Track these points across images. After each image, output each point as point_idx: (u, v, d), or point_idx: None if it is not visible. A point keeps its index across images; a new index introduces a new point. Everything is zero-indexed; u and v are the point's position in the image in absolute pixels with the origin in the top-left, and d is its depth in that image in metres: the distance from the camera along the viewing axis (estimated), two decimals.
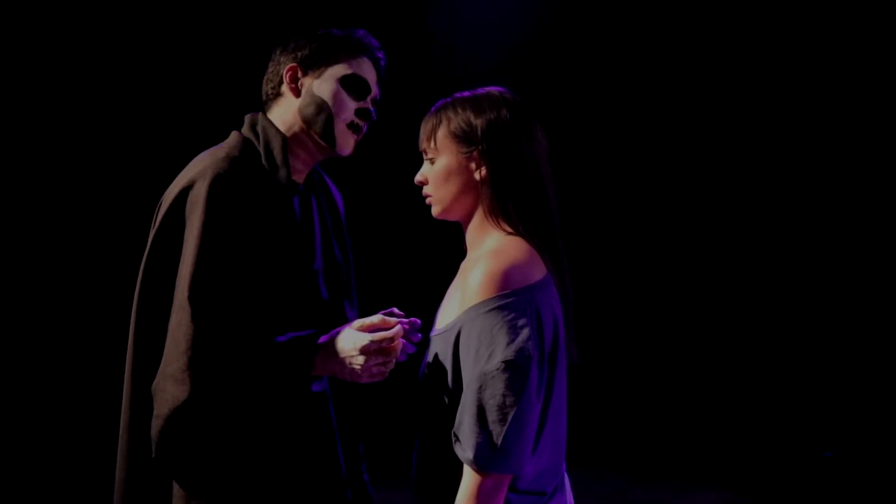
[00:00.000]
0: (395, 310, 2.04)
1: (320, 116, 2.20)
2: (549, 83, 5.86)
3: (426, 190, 2.00)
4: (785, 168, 5.91)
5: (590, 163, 6.05)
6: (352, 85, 2.22)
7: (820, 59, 5.73)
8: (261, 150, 2.18)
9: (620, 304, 6.16)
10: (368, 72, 2.25)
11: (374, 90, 2.27)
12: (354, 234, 2.46)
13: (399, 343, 1.98)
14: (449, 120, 1.94)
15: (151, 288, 2.10)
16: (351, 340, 1.98)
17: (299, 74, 2.23)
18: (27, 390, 4.97)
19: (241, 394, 2.00)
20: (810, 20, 5.72)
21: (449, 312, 1.91)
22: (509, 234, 1.90)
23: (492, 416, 1.75)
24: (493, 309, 1.78)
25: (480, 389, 1.77)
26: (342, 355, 1.98)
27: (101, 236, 5.13)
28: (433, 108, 1.99)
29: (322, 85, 2.22)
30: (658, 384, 6.16)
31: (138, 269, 2.15)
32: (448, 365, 1.86)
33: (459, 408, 1.81)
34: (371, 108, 2.25)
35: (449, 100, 1.98)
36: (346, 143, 2.23)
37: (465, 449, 1.77)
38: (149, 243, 2.13)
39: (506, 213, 1.90)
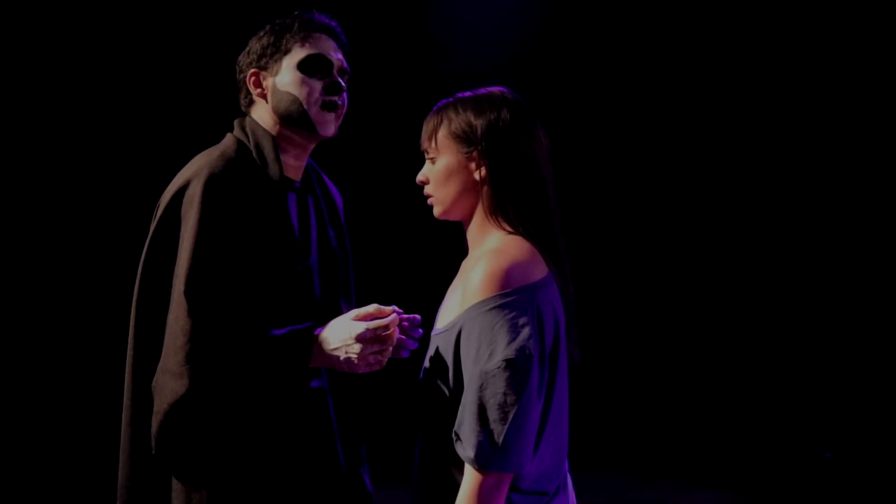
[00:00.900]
0: (396, 308, 2.05)
1: (292, 108, 2.21)
2: (549, 83, 5.87)
3: (427, 189, 2.00)
4: (785, 168, 5.91)
5: (590, 163, 6.05)
6: (310, 66, 2.22)
7: (820, 59, 5.74)
8: (252, 149, 2.21)
9: (620, 305, 6.16)
10: (324, 46, 2.25)
11: (337, 60, 2.26)
12: (356, 234, 2.47)
13: (395, 331, 2.00)
14: (450, 120, 1.95)
15: (150, 286, 2.12)
16: (347, 329, 1.99)
17: (261, 77, 2.25)
18: (29, 389, 4.98)
19: (240, 387, 2.01)
20: (810, 20, 5.72)
21: (450, 311, 1.91)
22: (510, 233, 1.91)
23: (492, 414, 1.75)
24: (494, 308, 1.78)
25: (481, 388, 1.77)
26: (338, 344, 2.00)
27: (102, 237, 5.13)
28: (435, 108, 2.00)
29: (283, 78, 2.23)
30: (658, 384, 6.16)
31: (137, 269, 2.17)
32: (449, 364, 1.86)
33: (460, 407, 1.81)
34: (338, 80, 2.24)
35: (450, 100, 1.99)
36: (325, 123, 2.23)
37: (465, 448, 1.78)
38: (147, 242, 2.15)
39: (505, 212, 1.91)
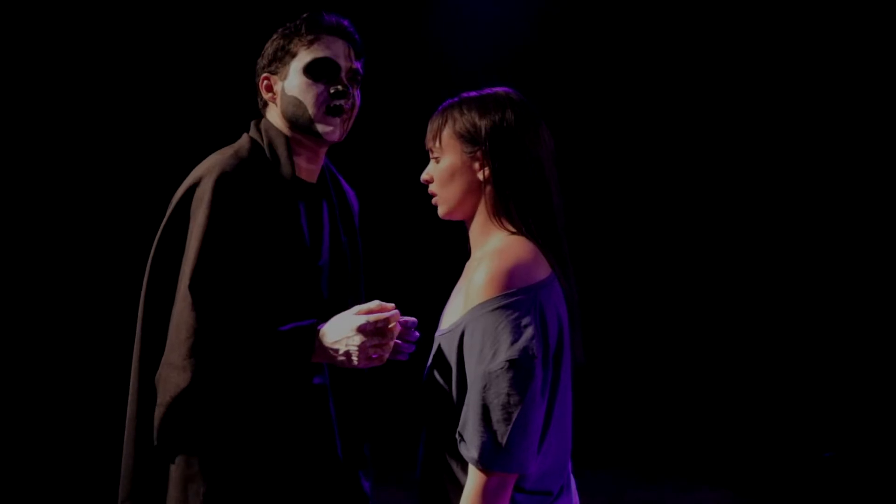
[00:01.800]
0: (380, 301, 2.06)
1: (298, 113, 2.21)
2: (552, 84, 5.87)
3: (431, 188, 2.01)
4: (786, 169, 5.92)
5: (593, 164, 6.05)
6: (316, 70, 2.21)
7: (820, 59, 5.74)
8: (265, 149, 2.22)
9: (620, 305, 6.17)
10: (333, 48, 2.22)
11: (346, 63, 2.24)
12: (362, 234, 2.47)
13: (396, 326, 2.00)
14: (454, 120, 1.95)
15: (158, 282, 2.15)
16: (348, 322, 2.00)
17: (272, 82, 2.26)
18: (36, 385, 5.00)
19: (242, 382, 2.03)
20: (810, 20, 5.72)
21: (453, 312, 1.91)
22: (513, 233, 1.91)
23: (496, 415, 1.76)
24: (497, 308, 1.78)
25: (485, 389, 1.77)
26: (339, 337, 2.00)
27: (114, 233, 5.15)
28: (440, 108, 2.01)
29: (290, 83, 2.22)
30: (658, 384, 6.16)
31: (146, 264, 2.20)
32: (453, 365, 1.87)
33: (464, 407, 1.81)
34: (345, 86, 2.21)
35: (456, 99, 1.99)
36: (330, 129, 2.21)
37: (469, 448, 1.78)
38: (157, 238, 2.17)
39: (508, 213, 1.91)
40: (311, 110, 2.19)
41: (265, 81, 2.27)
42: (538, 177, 1.92)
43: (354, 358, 1.99)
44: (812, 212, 5.87)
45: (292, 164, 2.21)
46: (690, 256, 6.13)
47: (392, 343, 2.01)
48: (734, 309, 6.04)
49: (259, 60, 2.29)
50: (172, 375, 2.01)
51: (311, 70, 2.20)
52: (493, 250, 1.87)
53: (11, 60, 4.92)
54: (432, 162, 2.00)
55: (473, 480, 1.79)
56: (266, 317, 2.08)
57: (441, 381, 1.89)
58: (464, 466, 1.82)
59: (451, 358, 1.87)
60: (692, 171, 6.08)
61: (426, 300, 2.81)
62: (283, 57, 2.23)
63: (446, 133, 1.96)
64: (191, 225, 2.11)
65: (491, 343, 1.77)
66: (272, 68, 2.25)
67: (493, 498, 1.78)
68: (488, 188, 1.93)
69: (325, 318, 2.12)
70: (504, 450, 1.76)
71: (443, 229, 2.19)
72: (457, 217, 1.99)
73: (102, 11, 5.12)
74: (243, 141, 2.24)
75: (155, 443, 2.07)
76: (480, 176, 1.93)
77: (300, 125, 2.22)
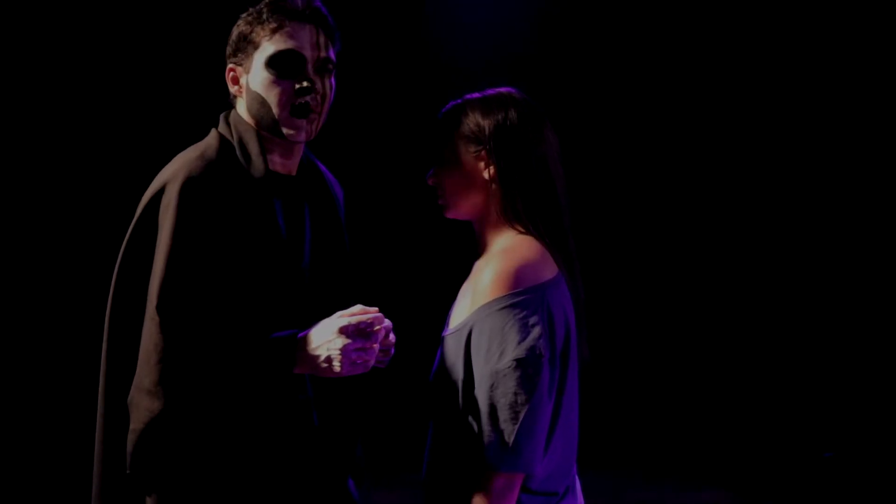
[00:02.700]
0: (362, 305, 1.93)
1: (262, 112, 2.00)
2: (555, 83, 5.86)
3: (438, 190, 2.01)
4: (787, 169, 5.92)
5: (598, 162, 6.04)
6: (279, 65, 1.97)
7: (820, 59, 5.74)
8: (235, 146, 2.02)
9: (620, 304, 6.16)
10: (298, 37, 1.98)
11: (313, 53, 1.99)
12: (368, 236, 2.40)
13: (381, 330, 1.87)
14: (458, 121, 1.96)
15: (124, 297, 1.99)
16: (329, 326, 1.87)
17: (237, 74, 2.05)
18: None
19: (219, 404, 1.90)
20: (810, 20, 5.72)
21: (461, 312, 1.91)
22: (521, 233, 1.91)
23: (503, 414, 1.76)
24: (505, 307, 1.79)
25: (492, 388, 1.77)
26: (320, 342, 1.86)
27: (83, 240, 4.96)
28: (443, 110, 2.01)
29: (254, 78, 2.01)
30: (658, 384, 6.15)
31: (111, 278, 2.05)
32: (460, 364, 1.86)
33: (471, 407, 1.81)
34: (311, 81, 1.97)
35: (459, 101, 2.00)
36: (296, 130, 1.99)
37: (476, 448, 1.78)
38: (121, 251, 2.01)
39: (515, 212, 1.92)
40: (275, 110, 1.98)
41: (231, 73, 2.06)
42: (543, 175, 1.93)
43: (336, 363, 1.85)
44: (812, 212, 5.87)
45: (265, 161, 2.01)
46: (690, 257, 6.13)
47: (377, 347, 1.87)
48: (735, 309, 6.04)
49: (226, 48, 2.08)
50: (144, 401, 1.88)
51: (273, 64, 1.97)
52: (501, 250, 1.88)
53: None
54: (438, 164, 2.01)
55: (480, 480, 1.79)
56: (243, 331, 1.92)
57: (448, 380, 1.89)
58: (470, 466, 1.82)
59: (459, 357, 1.87)
60: (696, 171, 6.08)
61: (433, 300, 2.80)
62: (245, 47, 2.01)
63: (451, 135, 1.96)
64: (158, 237, 1.94)
65: (498, 342, 1.78)
66: (237, 59, 2.04)
67: (500, 498, 1.78)
68: (494, 187, 1.93)
69: (312, 324, 1.95)
70: (511, 449, 1.76)
71: (449, 229, 2.18)
72: (463, 217, 2.00)
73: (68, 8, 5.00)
74: (211, 138, 2.05)
75: (128, 469, 1.93)
76: (486, 175, 1.93)
77: (265, 125, 2.01)
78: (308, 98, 1.98)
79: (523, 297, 1.79)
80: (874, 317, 5.69)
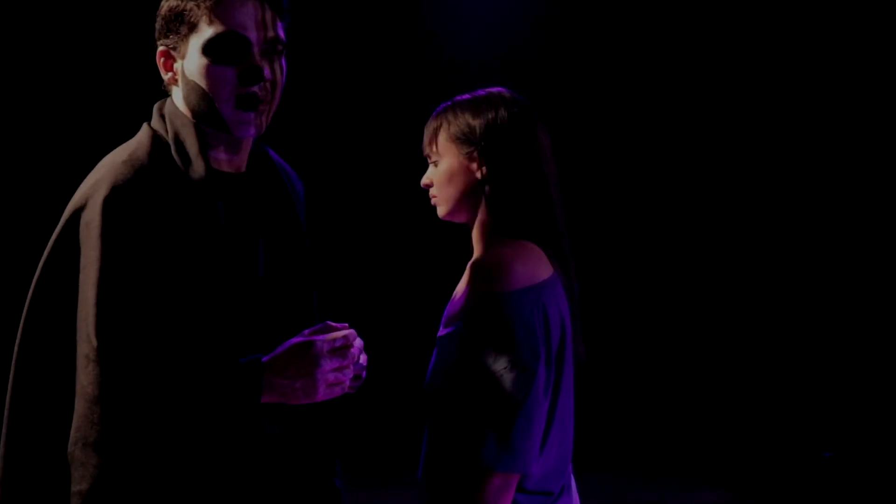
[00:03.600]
0: (330, 322, 1.75)
1: (202, 105, 1.73)
2: (551, 82, 5.86)
3: (432, 192, 2.01)
4: (786, 168, 5.92)
5: (593, 161, 6.05)
6: (219, 50, 1.69)
7: (820, 59, 5.74)
8: (171, 142, 1.75)
9: (619, 305, 6.16)
10: (240, 16, 1.69)
11: (259, 34, 1.70)
12: (363, 237, 2.35)
13: (356, 348, 1.72)
14: (449, 123, 1.96)
15: (38, 333, 1.71)
16: (299, 347, 1.67)
17: (170, 58, 1.76)
18: None
19: (178, 449, 1.66)
20: (810, 20, 5.72)
21: (456, 313, 1.91)
22: (515, 233, 1.91)
23: (499, 415, 1.76)
24: (500, 308, 1.78)
25: (487, 388, 1.77)
26: (291, 366, 1.66)
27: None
28: (434, 113, 2.01)
29: (190, 64, 1.72)
30: (658, 384, 6.16)
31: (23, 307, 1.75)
32: (455, 365, 1.86)
33: (466, 407, 1.81)
34: (258, 68, 1.70)
35: (449, 103, 2.00)
36: (243, 124, 1.73)
37: (472, 448, 1.78)
38: (35, 279, 1.73)
39: (508, 212, 1.92)
40: (217, 103, 1.71)
41: (162, 57, 1.77)
42: (536, 174, 1.93)
43: (313, 387, 1.66)
44: (812, 212, 5.87)
45: (206, 160, 1.74)
46: (689, 256, 6.13)
47: (353, 366, 1.71)
48: (734, 309, 6.04)
49: (155, 24, 1.77)
50: (90, 457, 1.63)
51: (212, 50, 1.69)
52: (495, 250, 1.88)
53: None
54: (431, 166, 2.00)
55: (476, 481, 1.78)
56: (198, 360, 1.67)
57: (443, 381, 1.89)
58: (466, 466, 1.82)
59: (454, 358, 1.87)
60: (692, 170, 6.08)
61: (428, 300, 2.80)
62: (178, 27, 1.72)
63: (442, 137, 1.96)
64: (82, 262, 1.66)
65: (494, 343, 1.78)
66: (168, 41, 1.74)
67: (495, 498, 1.78)
68: (487, 188, 1.93)
69: (273, 343, 1.74)
70: (507, 450, 1.76)
71: (443, 229, 2.18)
72: (457, 219, 2.00)
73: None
74: (142, 136, 1.77)
75: None
76: (479, 175, 1.93)
77: (206, 119, 1.74)
78: (256, 88, 1.71)
79: (519, 297, 1.79)
80: (874, 317, 5.69)
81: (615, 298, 6.09)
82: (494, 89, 1.99)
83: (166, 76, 1.78)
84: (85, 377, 1.63)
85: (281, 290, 1.84)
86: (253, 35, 1.70)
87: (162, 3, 1.76)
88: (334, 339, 1.68)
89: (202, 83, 1.71)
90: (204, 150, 1.74)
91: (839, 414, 5.68)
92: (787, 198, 5.92)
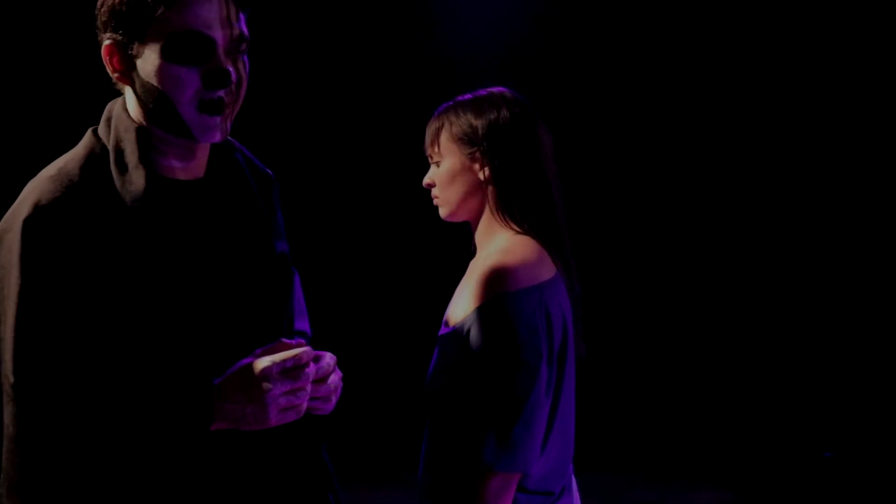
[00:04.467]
0: (285, 340, 1.61)
1: (161, 109, 1.56)
2: (551, 82, 5.86)
3: (434, 192, 2.01)
4: (786, 168, 5.92)
5: (594, 161, 6.05)
6: (180, 50, 1.52)
7: (820, 59, 5.74)
8: (111, 151, 1.59)
9: (619, 304, 6.16)
10: (203, 12, 1.53)
11: (224, 31, 1.55)
12: (366, 237, 2.32)
13: (311, 368, 1.56)
14: (451, 123, 1.96)
15: None
16: (247, 370, 1.53)
17: (120, 56, 1.58)
18: None
19: (115, 487, 1.52)
20: (810, 20, 5.73)
21: (457, 311, 1.91)
22: (518, 233, 1.92)
23: (500, 414, 1.76)
24: (502, 307, 1.78)
25: (489, 388, 1.77)
26: (241, 389, 1.52)
27: None
28: (435, 113, 2.01)
29: (147, 64, 1.55)
30: (658, 384, 6.16)
31: None
32: (456, 364, 1.86)
33: (467, 407, 1.81)
34: (224, 71, 1.55)
35: (450, 103, 2.00)
36: (207, 130, 1.57)
37: (473, 448, 1.78)
38: None
39: (511, 211, 1.92)
40: (178, 106, 1.55)
41: (109, 52, 1.58)
42: (538, 173, 1.93)
43: (263, 413, 1.52)
44: (812, 212, 5.87)
45: (147, 173, 1.57)
46: (689, 257, 6.13)
47: (309, 387, 1.55)
48: (734, 309, 6.04)
49: (98, 15, 1.58)
50: (14, 502, 1.50)
51: (172, 51, 1.52)
52: (498, 250, 1.88)
53: None
54: (433, 166, 2.01)
55: (477, 480, 1.78)
56: (135, 391, 1.52)
57: (445, 380, 1.89)
58: (467, 466, 1.82)
59: (455, 357, 1.87)
60: (693, 169, 6.08)
61: (430, 299, 2.79)
62: (130, 21, 1.53)
63: (444, 137, 1.96)
64: (2, 291, 1.52)
65: (495, 342, 1.78)
66: (117, 35, 1.55)
67: (496, 497, 1.78)
68: (490, 188, 1.93)
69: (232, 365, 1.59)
70: (507, 449, 1.76)
71: (445, 229, 2.18)
72: (460, 218, 2.00)
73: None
74: (80, 145, 1.62)
75: None
76: (481, 176, 1.93)
77: (164, 124, 1.58)
78: (222, 92, 1.56)
79: (521, 297, 1.79)
80: (874, 317, 5.70)
81: (616, 298, 6.09)
82: (496, 89, 2.00)
83: (114, 74, 1.60)
84: (7, 416, 1.51)
85: (243, 304, 1.67)
86: (218, 34, 1.54)
87: None
88: (284, 360, 1.52)
89: (161, 86, 1.54)
90: (146, 160, 1.58)
91: (839, 414, 5.68)
92: (786, 198, 5.93)
